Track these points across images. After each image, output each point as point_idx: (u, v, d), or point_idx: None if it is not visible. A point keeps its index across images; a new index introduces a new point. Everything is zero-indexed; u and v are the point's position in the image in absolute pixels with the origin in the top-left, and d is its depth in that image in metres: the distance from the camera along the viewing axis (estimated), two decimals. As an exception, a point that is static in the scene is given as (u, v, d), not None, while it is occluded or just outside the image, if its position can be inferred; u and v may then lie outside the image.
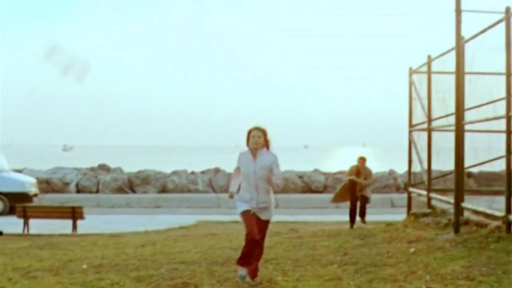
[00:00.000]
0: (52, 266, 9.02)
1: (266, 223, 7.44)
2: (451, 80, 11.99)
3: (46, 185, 27.77)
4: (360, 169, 14.87)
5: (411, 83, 15.87)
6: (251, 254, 7.23)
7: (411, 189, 15.84)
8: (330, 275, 7.43)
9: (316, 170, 30.09)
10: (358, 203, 14.98)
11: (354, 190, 14.84)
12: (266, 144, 7.34)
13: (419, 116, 15.40)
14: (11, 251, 11.24)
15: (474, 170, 21.55)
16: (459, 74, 10.46)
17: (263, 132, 7.35)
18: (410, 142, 15.90)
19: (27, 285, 7.54)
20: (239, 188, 7.44)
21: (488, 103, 10.94)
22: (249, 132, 7.36)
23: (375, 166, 22.07)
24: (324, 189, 27.39)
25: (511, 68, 9.51)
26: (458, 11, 9.87)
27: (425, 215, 13.18)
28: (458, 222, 10.12)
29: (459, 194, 10.59)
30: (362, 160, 14.99)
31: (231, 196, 7.35)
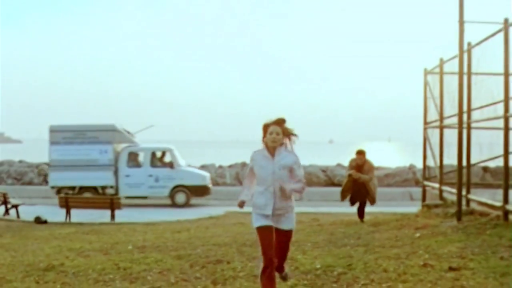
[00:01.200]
0: (101, 247, 10.34)
1: (287, 234, 6.25)
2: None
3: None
4: (360, 164, 13.58)
5: (425, 83, 16.96)
6: (271, 279, 6.05)
7: (425, 182, 16.96)
8: (343, 254, 8.61)
9: (338, 165, 31.23)
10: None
11: (358, 187, 13.56)
12: (288, 137, 6.25)
13: (433, 114, 16.50)
14: (61, 236, 12.61)
15: (491, 165, 22.64)
16: (461, 77, 11.57)
17: (283, 128, 6.19)
18: (425, 139, 17.00)
19: (83, 262, 8.81)
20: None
21: (490, 104, 12.00)
22: (267, 127, 6.19)
23: (398, 160, 23.24)
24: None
25: (509, 69, 10.65)
26: (461, 22, 10.97)
27: (436, 206, 14.30)
28: (460, 211, 11.25)
29: (461, 186, 11.68)
30: (360, 154, 13.68)
31: (241, 205, 6.24)
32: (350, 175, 13.57)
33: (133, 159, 24.78)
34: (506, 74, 10.67)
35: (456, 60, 14.15)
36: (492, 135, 12.52)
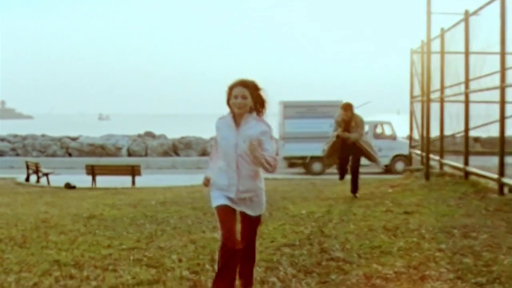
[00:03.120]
0: (130, 203, 12.52)
1: (255, 221, 5.33)
2: (437, 60, 15.21)
3: (101, 149, 31.57)
4: (346, 120, 11.82)
5: (412, 62, 18.99)
6: (231, 270, 5.07)
7: (411, 150, 19.09)
8: (325, 205, 10.75)
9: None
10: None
11: (346, 147, 11.94)
12: (258, 106, 5.16)
13: (418, 90, 18.53)
14: (93, 196, 14.83)
15: (483, 135, 24.64)
16: (429, 59, 13.65)
17: (252, 89, 5.10)
18: (411, 112, 19.09)
19: (117, 212, 10.98)
20: None
21: (455, 84, 14.04)
22: (230, 89, 5.12)
23: (406, 132, 25.41)
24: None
25: (469, 50, 12.66)
26: (429, 13, 13.00)
27: (417, 170, 16.42)
28: (428, 172, 13.41)
29: (429, 151, 13.84)
30: (346, 109, 11.87)
31: (206, 184, 5.30)
32: (338, 136, 11.78)
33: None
34: (467, 54, 12.67)
35: (436, 41, 16.25)
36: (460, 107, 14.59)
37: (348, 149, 11.93)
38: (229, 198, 5.15)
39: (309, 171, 26.38)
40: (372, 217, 9.21)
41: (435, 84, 15.54)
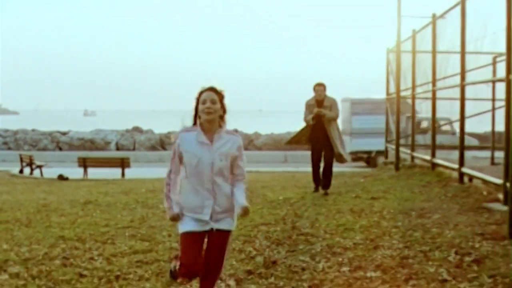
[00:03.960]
0: (122, 191, 13.49)
1: (225, 235, 4.78)
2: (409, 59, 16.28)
3: (91, 144, 32.47)
4: (319, 100, 11.35)
5: (388, 61, 20.01)
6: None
7: (387, 144, 20.13)
8: (301, 192, 11.75)
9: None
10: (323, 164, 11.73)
11: (318, 135, 11.41)
12: (222, 114, 4.75)
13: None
14: (86, 186, 15.79)
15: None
16: (399, 59, 14.69)
17: (220, 96, 4.74)
18: (387, 108, 20.14)
19: (111, 199, 11.93)
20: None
21: (425, 83, 15.10)
22: (199, 95, 4.70)
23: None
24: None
25: (436, 50, 13.72)
26: (399, 16, 14.05)
27: (392, 162, 17.48)
28: (398, 163, 14.48)
29: (399, 145, 14.88)
30: (319, 87, 11.41)
31: (175, 219, 4.75)
32: (314, 116, 11.27)
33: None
34: (434, 54, 13.72)
35: (409, 41, 17.30)
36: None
37: (320, 139, 11.33)
38: (200, 221, 4.67)
39: (374, 165, 27.08)
40: (342, 202, 10.23)
41: (408, 82, 16.58)
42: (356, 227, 7.94)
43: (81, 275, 6.04)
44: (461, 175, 11.25)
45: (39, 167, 22.42)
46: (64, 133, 34.51)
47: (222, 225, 4.73)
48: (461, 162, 11.24)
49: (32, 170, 22.63)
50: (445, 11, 12.73)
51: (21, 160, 23.33)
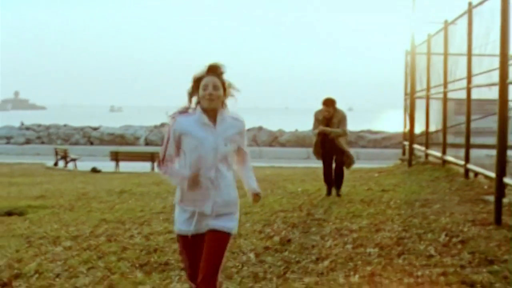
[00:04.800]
0: (153, 182, 14.59)
1: (224, 237, 4.27)
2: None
3: (121, 139, 33.75)
4: (327, 117, 11.01)
5: (406, 62, 20.91)
6: None
7: (404, 142, 21.05)
8: (318, 184, 12.71)
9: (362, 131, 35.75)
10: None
11: (327, 146, 11.14)
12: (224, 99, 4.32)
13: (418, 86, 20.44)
14: (119, 177, 16.94)
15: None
16: (413, 63, 15.61)
17: (223, 81, 4.29)
18: (405, 107, 21.03)
19: (144, 189, 13.02)
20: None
21: (437, 85, 16.00)
22: (198, 80, 4.27)
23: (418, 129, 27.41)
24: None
25: (447, 53, 14.62)
26: (413, 22, 14.99)
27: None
28: (410, 159, 15.41)
29: (413, 143, 15.80)
30: (328, 102, 11.00)
31: (194, 178, 4.20)
32: (319, 134, 11.08)
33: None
34: (446, 55, 14.62)
35: (425, 45, 18.20)
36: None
37: (329, 148, 11.13)
38: (199, 215, 4.22)
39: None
40: (355, 193, 11.22)
41: (424, 83, 17.48)
42: (364, 214, 8.93)
43: (125, 248, 7.13)
44: (467, 170, 12.17)
45: (73, 160, 23.70)
46: (95, 128, 35.93)
47: (222, 224, 4.23)
48: (467, 159, 12.15)
49: (66, 163, 23.90)
50: (455, 18, 13.59)
51: (56, 154, 24.65)
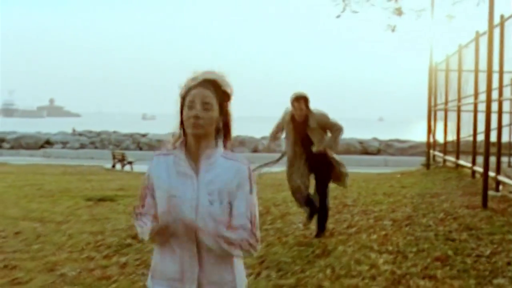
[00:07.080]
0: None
1: None
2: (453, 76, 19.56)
3: (167, 145, 36.71)
4: (299, 121, 8.10)
5: (430, 77, 23.28)
6: None
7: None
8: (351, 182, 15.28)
9: (374, 138, 37.97)
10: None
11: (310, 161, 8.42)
12: (226, 129, 2.87)
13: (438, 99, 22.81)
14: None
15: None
16: (431, 78, 18.05)
17: (220, 95, 2.82)
18: (429, 118, 23.43)
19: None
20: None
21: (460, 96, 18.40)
22: (184, 96, 2.82)
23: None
24: (377, 152, 35.34)
25: (478, 67, 17.04)
26: (432, 40, 17.45)
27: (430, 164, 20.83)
28: (428, 163, 17.88)
29: (430, 148, 18.23)
30: (299, 98, 7.95)
31: (159, 230, 2.75)
32: (306, 151, 8.29)
33: None
34: (476, 68, 17.05)
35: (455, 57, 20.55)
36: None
37: (314, 163, 8.41)
38: None
39: None
40: (379, 188, 13.74)
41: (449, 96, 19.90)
42: (384, 202, 11.45)
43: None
44: (473, 172, 14.60)
45: (130, 163, 26.47)
46: (143, 135, 38.90)
47: None
48: (473, 162, 14.59)
49: (123, 165, 26.67)
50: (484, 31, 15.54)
51: (114, 157, 27.45)
